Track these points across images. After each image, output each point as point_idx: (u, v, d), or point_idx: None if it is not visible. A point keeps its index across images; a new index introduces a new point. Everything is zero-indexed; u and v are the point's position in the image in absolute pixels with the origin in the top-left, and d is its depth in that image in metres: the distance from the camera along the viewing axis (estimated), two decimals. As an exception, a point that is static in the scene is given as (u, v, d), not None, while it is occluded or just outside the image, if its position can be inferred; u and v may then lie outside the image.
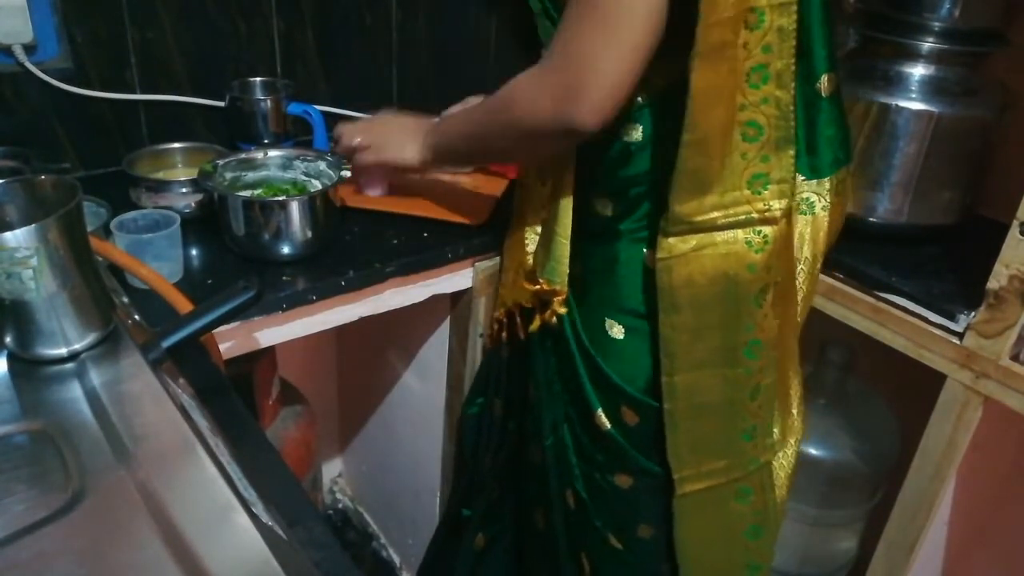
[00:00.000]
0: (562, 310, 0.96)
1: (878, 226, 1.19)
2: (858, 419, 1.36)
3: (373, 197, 1.19)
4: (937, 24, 1.11)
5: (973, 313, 1.01)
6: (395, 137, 1.06)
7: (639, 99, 0.85)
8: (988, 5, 1.12)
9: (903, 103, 1.12)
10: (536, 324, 1.00)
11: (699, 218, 0.83)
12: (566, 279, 0.95)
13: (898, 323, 1.09)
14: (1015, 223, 0.94)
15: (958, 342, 1.03)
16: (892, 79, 1.14)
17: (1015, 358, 0.98)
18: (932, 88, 1.12)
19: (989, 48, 1.13)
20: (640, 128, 0.86)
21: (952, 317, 1.04)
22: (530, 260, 1.01)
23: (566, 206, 0.92)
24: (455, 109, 1.14)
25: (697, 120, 0.78)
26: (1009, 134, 1.17)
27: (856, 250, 1.13)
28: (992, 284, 0.98)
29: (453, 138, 1.00)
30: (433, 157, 1.03)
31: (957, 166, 1.15)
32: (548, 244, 0.95)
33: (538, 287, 0.96)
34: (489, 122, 0.91)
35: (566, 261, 0.94)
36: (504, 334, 1.09)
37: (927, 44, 1.12)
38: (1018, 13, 1.13)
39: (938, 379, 1.06)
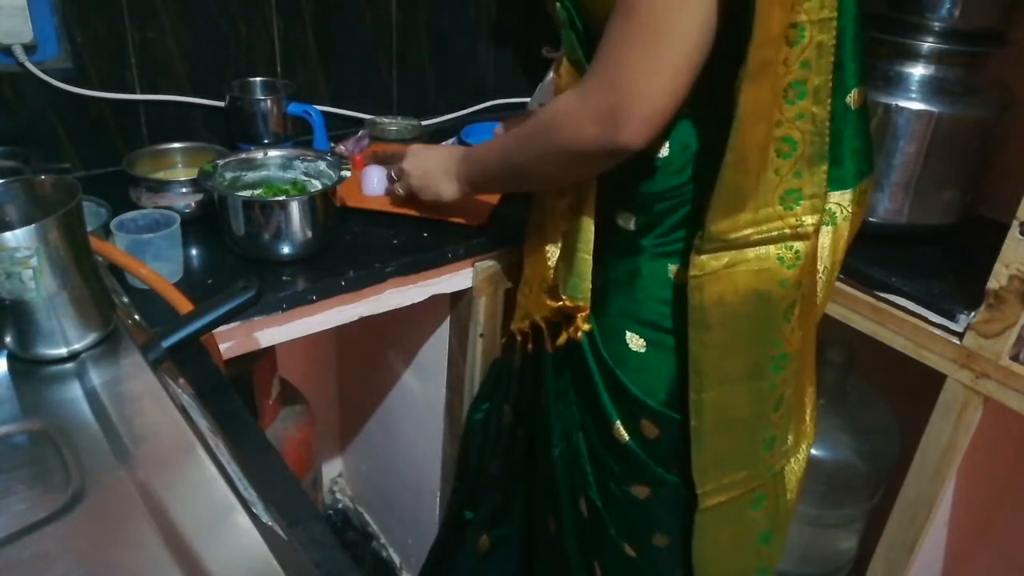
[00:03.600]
0: (586, 326, 0.94)
1: (878, 226, 1.19)
2: (858, 419, 1.36)
3: (373, 197, 1.19)
4: (937, 24, 1.12)
5: (973, 313, 1.01)
6: (431, 178, 1.07)
7: None
8: (988, 5, 1.12)
9: (903, 103, 1.12)
10: (563, 339, 0.98)
11: (733, 235, 0.82)
12: (589, 295, 0.93)
13: (898, 323, 1.09)
14: (1015, 223, 0.94)
15: (958, 342, 1.03)
16: (892, 79, 1.14)
17: (1015, 358, 0.98)
18: (932, 88, 1.13)
19: (989, 48, 1.13)
20: (667, 143, 0.85)
21: (952, 317, 1.04)
22: (551, 275, 1.00)
23: (588, 221, 0.91)
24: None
25: (740, 139, 0.77)
26: (1009, 134, 1.17)
27: (856, 250, 1.12)
28: (992, 284, 0.98)
29: (489, 167, 0.98)
30: (471, 188, 1.04)
31: (957, 166, 1.15)
32: (570, 260, 0.94)
33: (561, 303, 0.95)
34: (529, 147, 0.88)
35: (589, 278, 0.93)
36: (530, 346, 1.08)
37: (927, 44, 1.12)
38: (1018, 13, 1.13)
39: (938, 379, 1.06)
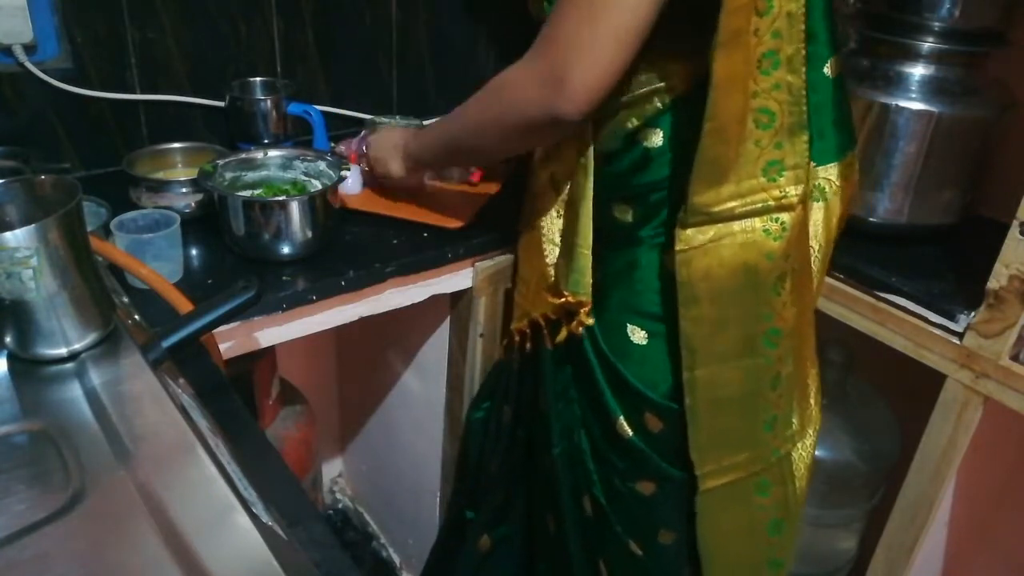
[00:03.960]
0: (589, 321, 0.94)
1: (878, 226, 1.19)
2: (858, 419, 1.36)
3: (369, 198, 1.19)
4: (937, 24, 1.11)
5: (973, 313, 1.01)
6: (382, 154, 1.11)
7: (659, 104, 0.84)
8: (988, 5, 1.12)
9: (903, 103, 1.12)
10: (563, 335, 0.99)
11: (717, 208, 0.82)
12: (590, 290, 0.94)
13: (898, 323, 1.09)
14: (1015, 223, 0.94)
15: (958, 342, 1.03)
16: (892, 79, 1.14)
17: (1015, 358, 0.98)
18: (932, 88, 1.13)
19: (989, 48, 1.13)
20: (660, 133, 0.86)
21: (952, 317, 1.04)
22: (551, 272, 1.00)
23: (586, 217, 0.91)
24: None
25: (718, 109, 0.78)
26: (1009, 134, 1.17)
27: (856, 250, 1.13)
28: (992, 284, 0.98)
29: (436, 140, 1.01)
30: (414, 164, 1.07)
31: (957, 166, 1.15)
32: (570, 256, 0.94)
33: (563, 300, 0.96)
34: (476, 118, 0.91)
35: (589, 272, 0.93)
36: (528, 344, 1.08)
37: (927, 44, 1.12)
38: (1018, 13, 1.13)
39: (938, 379, 1.06)
